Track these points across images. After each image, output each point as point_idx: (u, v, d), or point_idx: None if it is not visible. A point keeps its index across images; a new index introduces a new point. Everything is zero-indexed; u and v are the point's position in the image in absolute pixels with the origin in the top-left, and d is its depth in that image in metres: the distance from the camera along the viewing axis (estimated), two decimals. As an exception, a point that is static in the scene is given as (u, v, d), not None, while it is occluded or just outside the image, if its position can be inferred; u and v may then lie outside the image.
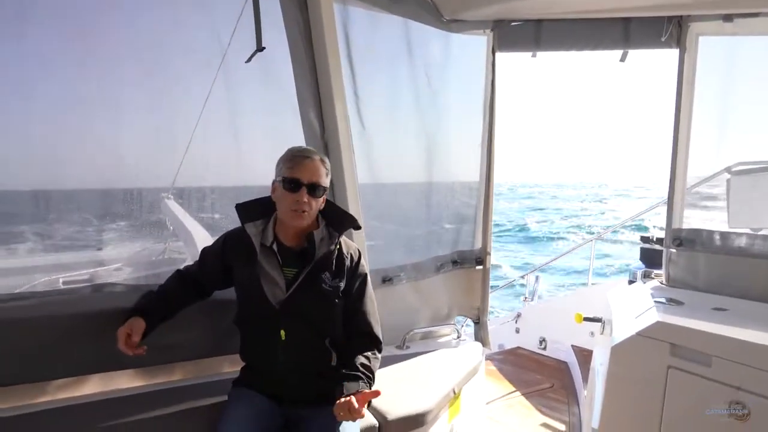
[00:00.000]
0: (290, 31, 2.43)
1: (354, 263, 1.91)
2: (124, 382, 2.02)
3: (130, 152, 2.17)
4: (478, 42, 3.25)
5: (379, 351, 1.90)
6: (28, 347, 1.79)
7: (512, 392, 4.15)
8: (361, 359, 1.78)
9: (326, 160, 1.86)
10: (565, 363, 4.90)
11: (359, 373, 1.74)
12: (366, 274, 1.95)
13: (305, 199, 1.75)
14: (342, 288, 1.86)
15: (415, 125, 3.12)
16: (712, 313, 2.41)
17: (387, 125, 3.01)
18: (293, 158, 1.79)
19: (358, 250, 1.96)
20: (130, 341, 1.72)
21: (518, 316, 5.70)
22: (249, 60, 2.22)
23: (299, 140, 2.47)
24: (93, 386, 1.95)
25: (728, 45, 2.88)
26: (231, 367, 2.19)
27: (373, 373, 1.79)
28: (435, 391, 2.28)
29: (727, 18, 2.73)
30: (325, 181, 1.82)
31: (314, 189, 1.77)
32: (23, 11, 1.85)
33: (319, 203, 1.83)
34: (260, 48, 2.20)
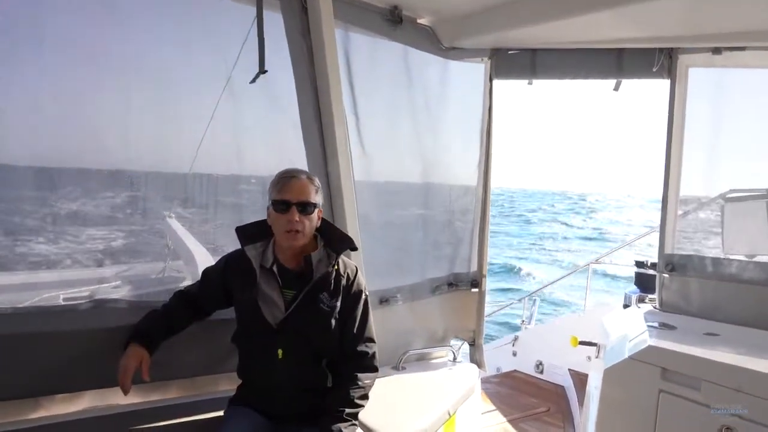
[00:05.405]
0: (294, 54, 2.50)
1: (350, 282, 1.93)
2: (121, 398, 2.02)
3: (137, 166, 2.24)
4: (476, 69, 3.34)
5: (371, 370, 1.91)
6: (27, 362, 1.80)
7: (508, 415, 4.13)
8: (347, 410, 1.79)
9: (314, 178, 1.88)
10: (561, 387, 4.89)
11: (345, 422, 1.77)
12: (361, 292, 1.95)
13: (297, 218, 1.77)
14: (338, 308, 1.88)
15: (413, 148, 3.18)
16: (703, 338, 2.44)
17: (386, 147, 3.06)
18: (280, 180, 1.83)
19: (356, 268, 1.98)
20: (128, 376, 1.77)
21: (515, 339, 5.71)
22: (253, 81, 2.28)
23: (301, 158, 2.54)
24: (90, 402, 1.96)
25: (717, 76, 2.97)
26: (228, 385, 2.19)
27: (357, 415, 1.83)
28: (429, 412, 2.29)
29: (716, 51, 2.83)
30: (315, 198, 1.83)
31: (304, 207, 1.79)
32: (38, 36, 1.92)
33: (313, 221, 1.84)
34: (263, 70, 2.26)
